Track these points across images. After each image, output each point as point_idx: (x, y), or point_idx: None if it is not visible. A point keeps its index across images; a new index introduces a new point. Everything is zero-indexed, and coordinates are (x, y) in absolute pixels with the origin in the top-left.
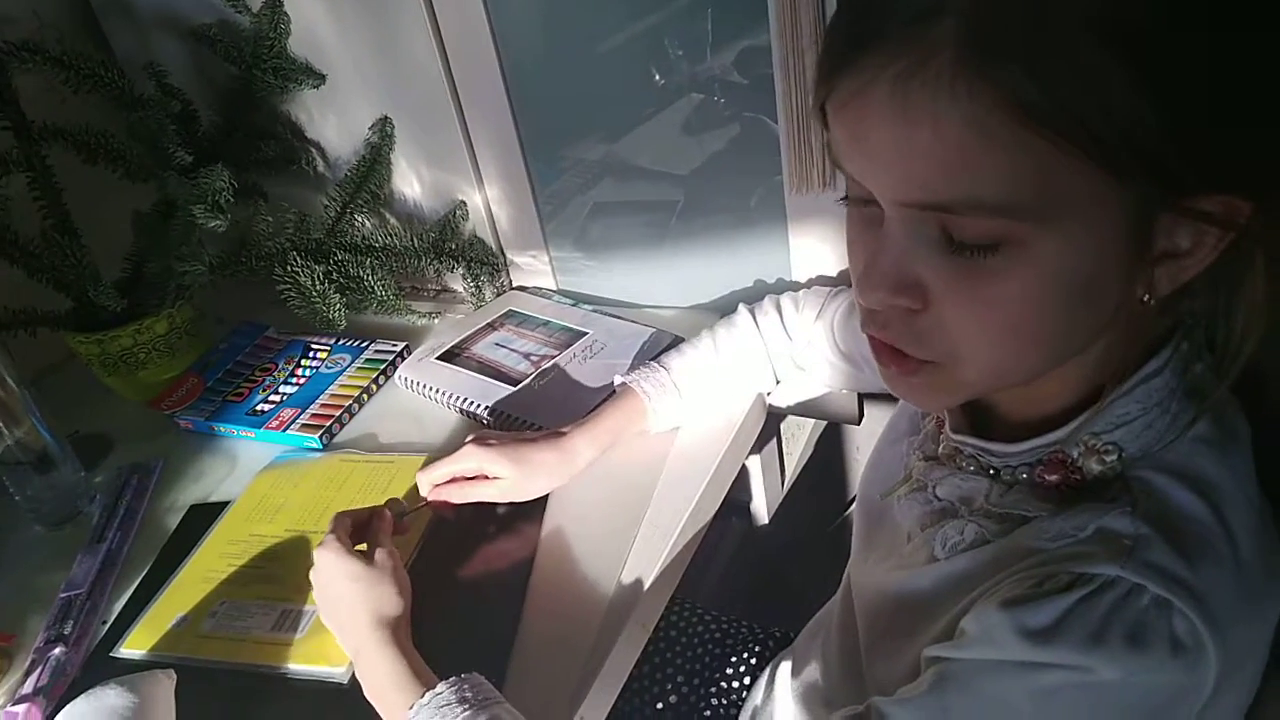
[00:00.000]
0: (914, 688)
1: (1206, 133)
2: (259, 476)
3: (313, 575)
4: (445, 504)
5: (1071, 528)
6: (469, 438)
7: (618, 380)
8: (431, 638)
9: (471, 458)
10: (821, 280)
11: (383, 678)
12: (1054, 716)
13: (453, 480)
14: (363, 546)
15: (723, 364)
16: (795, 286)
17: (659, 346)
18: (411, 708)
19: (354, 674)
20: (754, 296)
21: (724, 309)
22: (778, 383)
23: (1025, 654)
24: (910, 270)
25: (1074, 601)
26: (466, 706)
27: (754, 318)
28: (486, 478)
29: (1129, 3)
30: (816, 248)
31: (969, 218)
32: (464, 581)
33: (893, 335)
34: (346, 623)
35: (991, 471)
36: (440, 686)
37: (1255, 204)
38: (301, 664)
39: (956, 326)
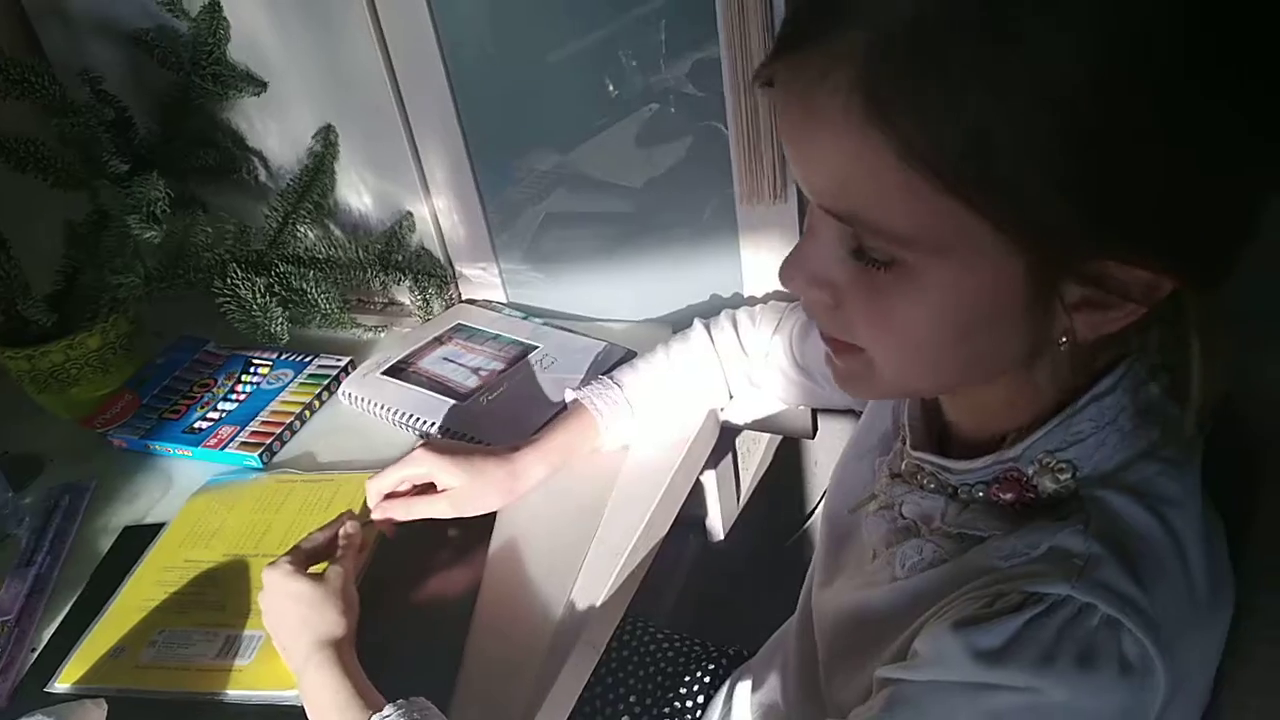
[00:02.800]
0: (866, 709)
1: (1100, 201)
2: (191, 500)
3: (260, 596)
4: (386, 521)
5: (1024, 546)
6: (420, 442)
7: (569, 396)
8: (376, 660)
9: (423, 463)
10: (775, 295)
11: (326, 700)
12: None
13: (396, 495)
14: (320, 567)
15: (677, 380)
16: (748, 300)
17: (611, 361)
18: None
19: None
20: (707, 310)
21: (677, 322)
22: (731, 397)
23: (976, 675)
24: (824, 268)
25: (1024, 622)
26: None
27: (709, 333)
28: (433, 490)
29: (1037, 64)
30: (768, 260)
31: (865, 238)
32: (409, 602)
33: (817, 318)
34: (289, 644)
35: (950, 490)
36: (387, 709)
37: (1174, 277)
38: (251, 689)
39: (861, 329)
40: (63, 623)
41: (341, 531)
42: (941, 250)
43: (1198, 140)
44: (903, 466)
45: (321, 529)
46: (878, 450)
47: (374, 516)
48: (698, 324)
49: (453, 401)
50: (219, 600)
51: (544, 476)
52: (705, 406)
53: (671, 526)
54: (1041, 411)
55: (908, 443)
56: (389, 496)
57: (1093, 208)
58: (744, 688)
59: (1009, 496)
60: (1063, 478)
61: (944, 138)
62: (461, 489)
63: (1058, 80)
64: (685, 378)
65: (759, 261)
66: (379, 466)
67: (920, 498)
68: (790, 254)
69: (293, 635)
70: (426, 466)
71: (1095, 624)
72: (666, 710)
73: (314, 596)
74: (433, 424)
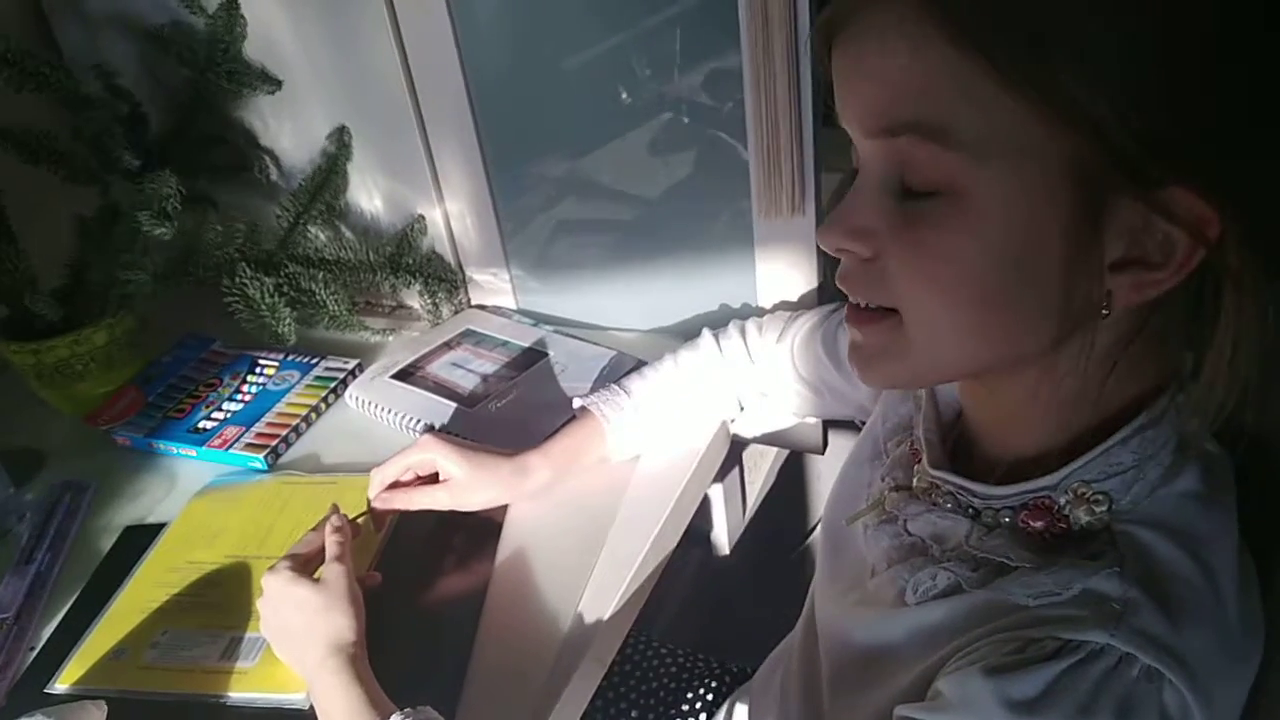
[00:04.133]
0: None
1: (1163, 108)
2: (193, 501)
3: (261, 603)
4: (387, 511)
5: (1055, 585)
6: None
7: (577, 403)
8: (382, 669)
9: (428, 448)
10: (787, 305)
11: (338, 706)
12: None
13: (399, 486)
14: (319, 575)
15: (685, 389)
16: (761, 312)
17: (621, 370)
18: None
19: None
20: (718, 321)
21: (688, 333)
22: (741, 409)
23: None
24: (864, 217)
25: (1061, 671)
26: None
27: (717, 342)
28: (435, 481)
29: None
30: (785, 273)
31: (918, 155)
32: (415, 611)
33: (849, 283)
34: (298, 651)
35: (971, 512)
36: (395, 718)
37: (1222, 217)
38: (256, 691)
39: (900, 275)
40: (62, 622)
41: (329, 527)
42: (992, 158)
43: (1258, 60)
44: (914, 483)
45: (313, 529)
46: (870, 456)
47: (375, 506)
48: (706, 333)
49: (460, 407)
50: (222, 602)
51: (549, 479)
52: (714, 416)
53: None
54: (1069, 440)
55: (924, 459)
56: (392, 487)
57: (1148, 113)
58: (744, 709)
59: (1038, 525)
60: (1098, 510)
61: (1002, 28)
62: (463, 479)
63: None
64: (694, 387)
65: (774, 273)
66: None
67: (937, 517)
68: (830, 214)
69: (301, 643)
70: (432, 452)
71: (1136, 675)
72: None
73: (320, 602)
74: (440, 427)
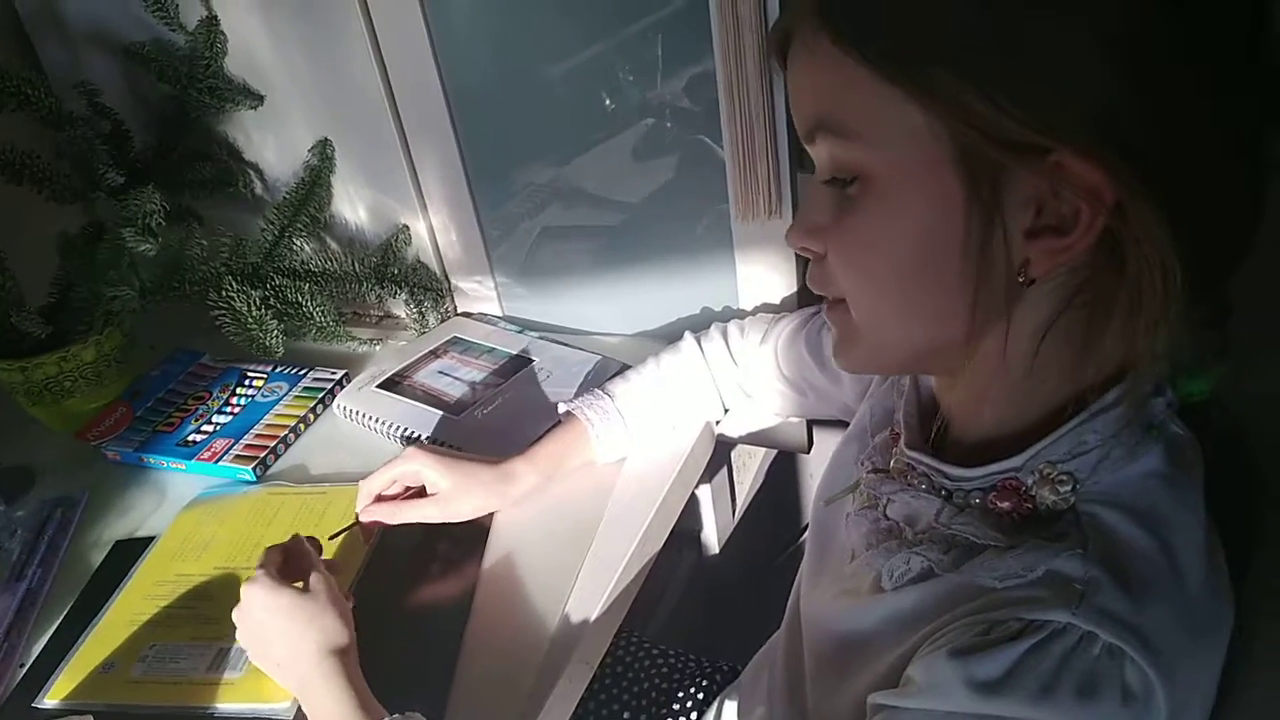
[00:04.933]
0: None
1: (1027, 84)
2: (182, 514)
3: (238, 614)
4: (374, 524)
5: (1020, 567)
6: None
7: (562, 408)
8: (370, 674)
9: (413, 459)
10: (768, 308)
11: (331, 711)
12: None
13: (386, 498)
14: (298, 585)
15: (668, 392)
16: (742, 314)
17: (606, 374)
18: None
19: (298, 710)
20: (701, 324)
21: (671, 336)
22: (726, 410)
23: (974, 706)
24: (814, 215)
25: (1024, 651)
26: None
27: (700, 345)
28: (423, 494)
29: None
30: (764, 275)
31: (832, 151)
32: (401, 616)
33: (812, 281)
34: (287, 659)
35: (944, 493)
36: None
37: (1112, 180)
38: (242, 702)
39: (837, 266)
40: (52, 638)
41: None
42: (885, 145)
43: (1101, 16)
44: (892, 464)
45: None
46: (856, 437)
47: (362, 519)
48: (688, 336)
49: (448, 415)
50: (210, 614)
51: (535, 484)
52: (698, 418)
53: (666, 540)
54: (1038, 422)
55: (901, 440)
56: (380, 499)
57: (1013, 91)
58: (731, 707)
59: (1006, 505)
60: (1063, 490)
61: (872, 25)
62: (450, 490)
63: None
64: (677, 389)
65: (754, 276)
66: None
67: (911, 497)
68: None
69: (292, 649)
70: (417, 464)
71: (1097, 653)
72: None
73: (311, 608)
74: (427, 437)
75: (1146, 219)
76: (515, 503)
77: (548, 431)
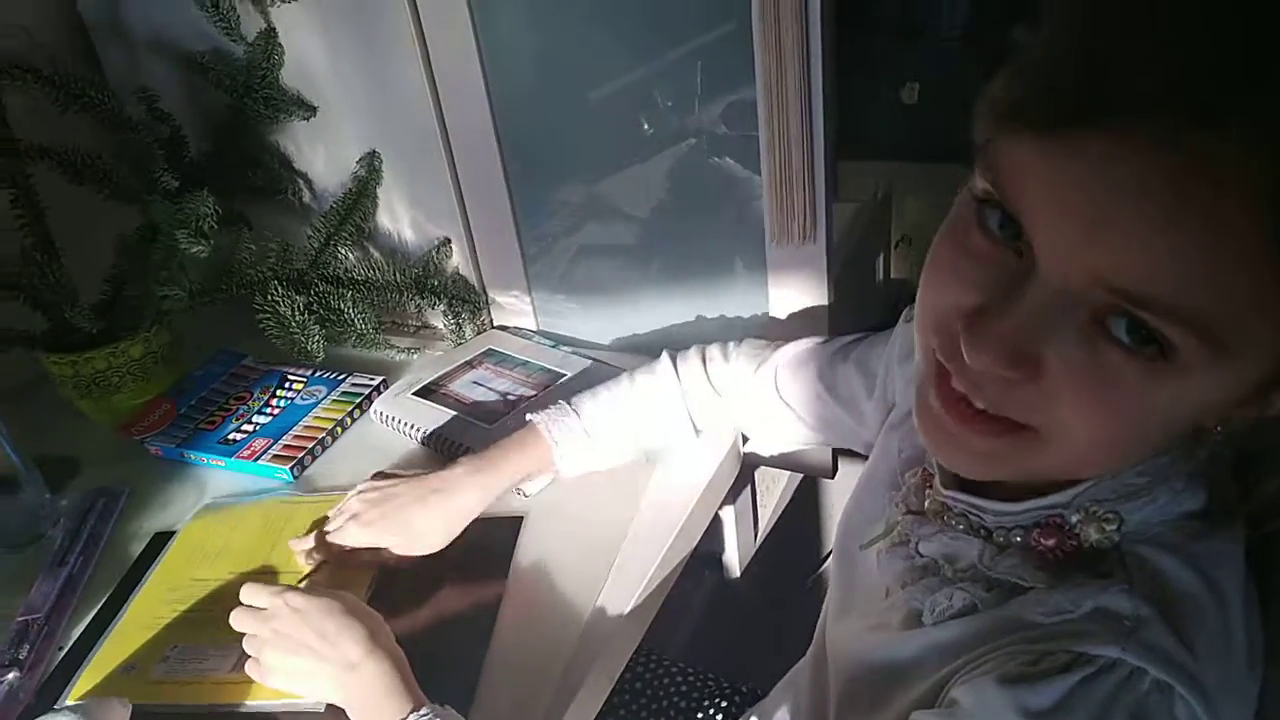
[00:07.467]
0: None
1: None
2: (190, 523)
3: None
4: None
5: (1067, 603)
6: (352, 492)
7: (528, 416)
8: None
9: (350, 536)
10: (799, 331)
11: (379, 692)
12: None
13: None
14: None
15: (637, 410)
16: (773, 336)
17: None
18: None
19: (327, 703)
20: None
21: None
22: (697, 433)
23: None
24: (1034, 346)
25: (1075, 683)
26: None
27: (674, 365)
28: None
29: None
30: (795, 299)
31: (1160, 324)
32: (425, 628)
33: (989, 399)
34: (334, 653)
35: (984, 532)
36: (424, 710)
37: None
38: (269, 699)
39: (1063, 410)
40: (90, 623)
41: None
42: (1231, 349)
43: None
44: (925, 504)
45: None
46: (887, 484)
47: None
48: (665, 355)
49: (480, 424)
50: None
51: (482, 508)
52: (666, 439)
53: (688, 561)
54: None
55: (935, 480)
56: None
57: None
58: None
59: (1050, 543)
60: (1109, 529)
61: None
62: (399, 546)
63: None
64: (646, 409)
65: (785, 299)
66: None
67: (949, 538)
68: (978, 321)
69: (339, 644)
70: (353, 541)
71: (1146, 688)
72: None
73: (348, 603)
74: (460, 445)
75: None
76: (468, 518)
77: (509, 439)
